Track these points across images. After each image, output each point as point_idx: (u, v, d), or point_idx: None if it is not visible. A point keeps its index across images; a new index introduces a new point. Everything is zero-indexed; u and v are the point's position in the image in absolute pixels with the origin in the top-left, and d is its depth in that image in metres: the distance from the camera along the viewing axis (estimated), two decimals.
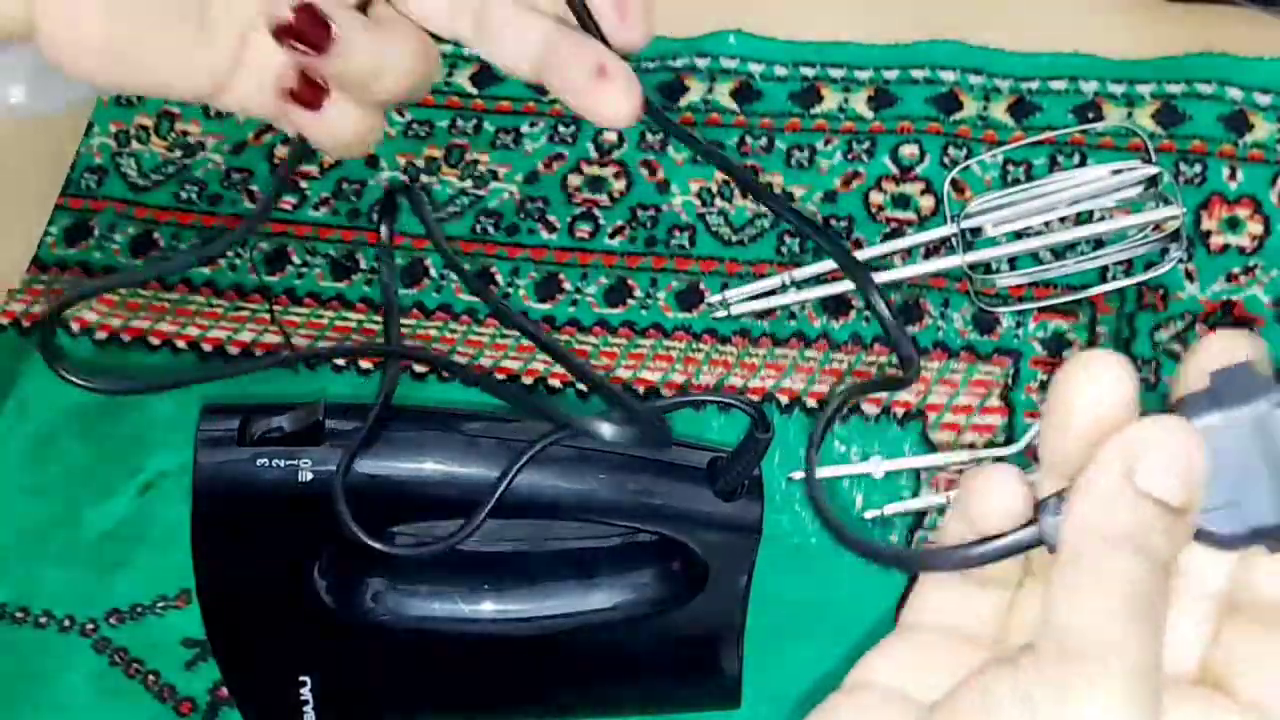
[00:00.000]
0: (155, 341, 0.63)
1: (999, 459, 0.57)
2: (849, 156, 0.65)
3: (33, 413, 0.61)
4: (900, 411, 0.58)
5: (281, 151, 0.67)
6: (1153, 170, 0.58)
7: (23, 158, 0.68)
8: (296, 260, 0.64)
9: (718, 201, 0.64)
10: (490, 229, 0.64)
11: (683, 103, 0.67)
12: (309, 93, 0.36)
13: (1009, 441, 0.57)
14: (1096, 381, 0.28)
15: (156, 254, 0.65)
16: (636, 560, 0.50)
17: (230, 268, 0.65)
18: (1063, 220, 0.60)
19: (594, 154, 0.66)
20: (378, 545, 0.45)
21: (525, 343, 0.61)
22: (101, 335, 0.63)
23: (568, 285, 0.63)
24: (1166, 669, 0.27)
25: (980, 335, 0.60)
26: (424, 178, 0.66)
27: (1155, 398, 0.57)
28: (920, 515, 0.56)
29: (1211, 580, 0.29)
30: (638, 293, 0.62)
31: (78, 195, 0.67)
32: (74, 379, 0.37)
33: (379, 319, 0.62)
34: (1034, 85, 0.65)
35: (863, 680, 0.30)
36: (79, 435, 0.61)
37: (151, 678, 0.56)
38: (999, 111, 0.65)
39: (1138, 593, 0.26)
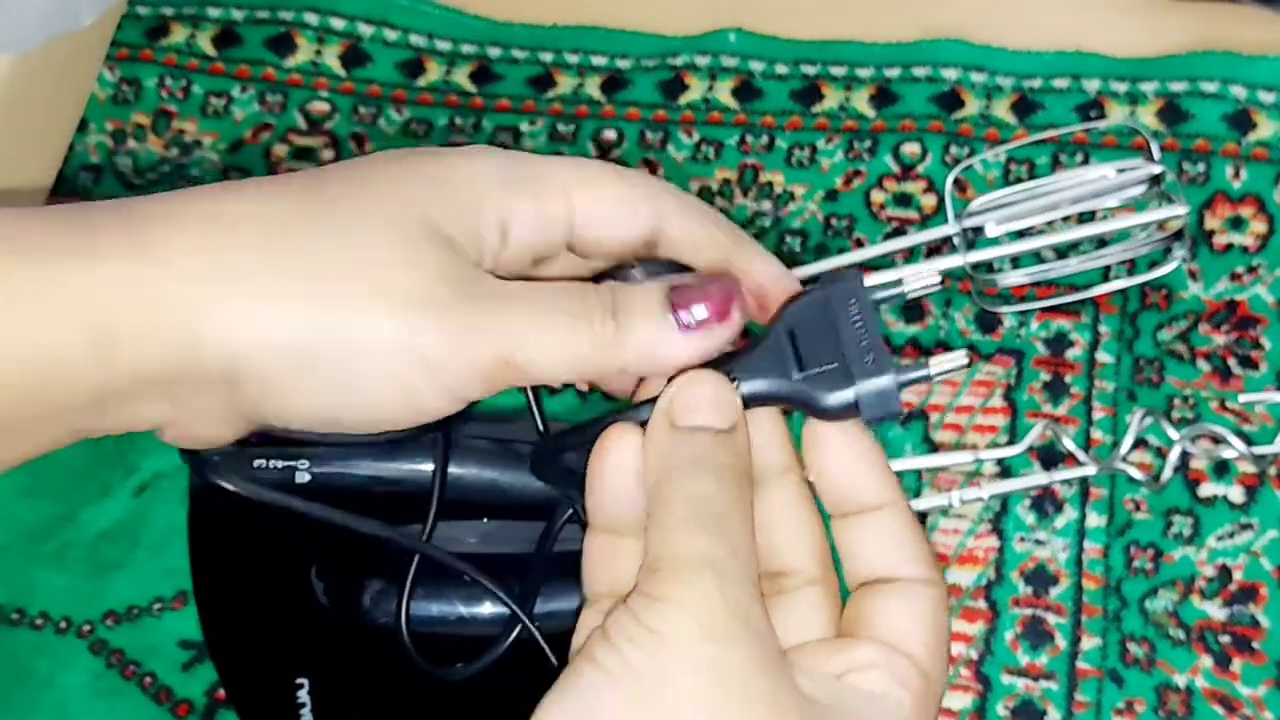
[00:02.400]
0: None
1: (1002, 460, 0.56)
2: (850, 155, 0.64)
3: None
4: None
5: (280, 150, 0.67)
6: (1156, 169, 0.58)
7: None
8: None
9: (718, 200, 0.64)
10: None
11: (683, 101, 0.67)
12: None
13: (1011, 442, 0.57)
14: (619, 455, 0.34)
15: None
16: None
17: None
18: (1065, 219, 0.60)
19: (594, 152, 0.66)
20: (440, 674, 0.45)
21: None
22: None
23: None
24: (779, 565, 0.34)
25: (983, 335, 0.59)
26: None
27: (1158, 396, 0.57)
28: (922, 516, 0.56)
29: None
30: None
31: (73, 193, 0.67)
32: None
33: None
34: (1036, 83, 0.65)
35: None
36: None
37: (148, 679, 0.56)
38: (1001, 110, 0.65)
39: (708, 507, 0.32)
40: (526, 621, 0.45)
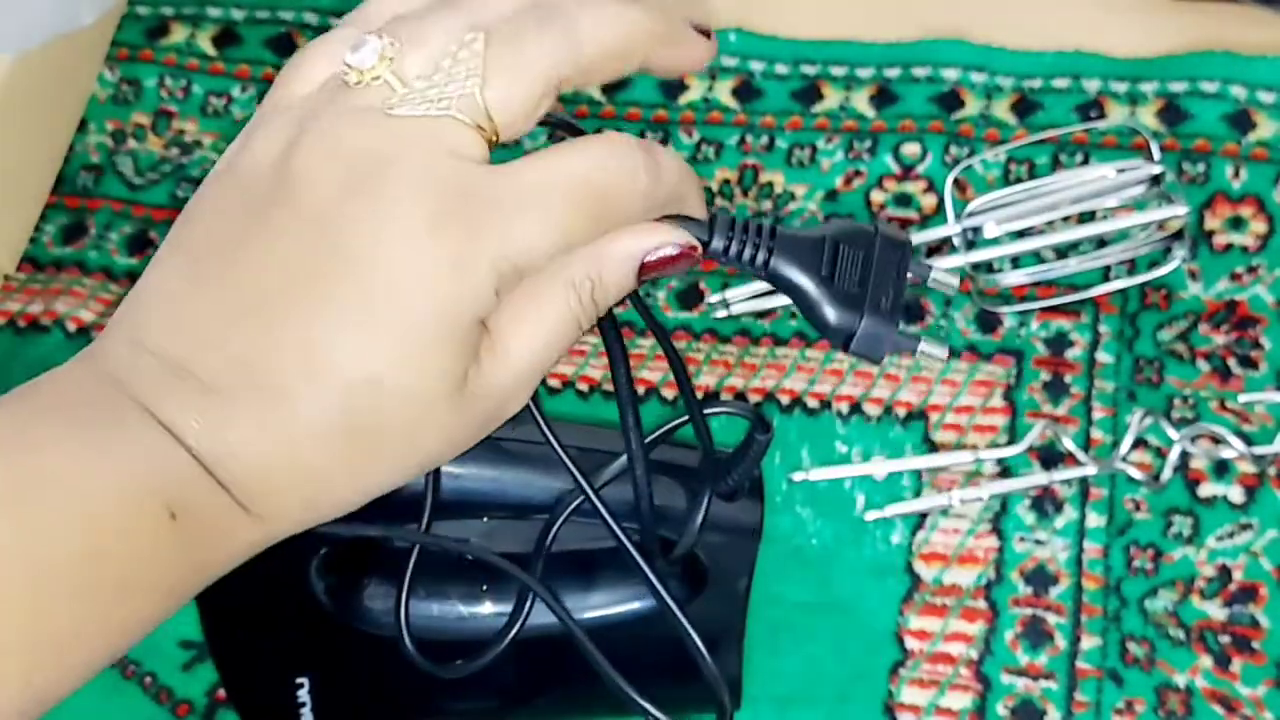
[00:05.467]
0: None
1: (1002, 460, 0.56)
2: (850, 155, 0.64)
3: None
4: (902, 412, 0.58)
5: None
6: (1156, 169, 0.58)
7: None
8: None
9: (718, 200, 0.64)
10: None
11: (682, 101, 0.67)
12: None
13: (1011, 442, 0.57)
14: None
15: None
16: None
17: None
18: (1065, 219, 0.60)
19: None
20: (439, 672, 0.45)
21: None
22: (98, 335, 0.63)
23: None
24: None
25: (983, 335, 0.59)
26: None
27: (1158, 396, 0.57)
28: (922, 516, 0.56)
29: None
30: (638, 291, 0.62)
31: (74, 194, 0.67)
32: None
33: None
34: (1036, 83, 0.65)
35: None
36: None
37: (149, 679, 0.56)
38: (1001, 110, 0.65)
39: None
40: (536, 587, 0.45)
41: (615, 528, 0.44)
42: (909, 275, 0.38)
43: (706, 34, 0.36)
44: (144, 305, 0.34)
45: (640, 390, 0.59)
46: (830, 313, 0.37)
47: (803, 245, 0.37)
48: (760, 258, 0.36)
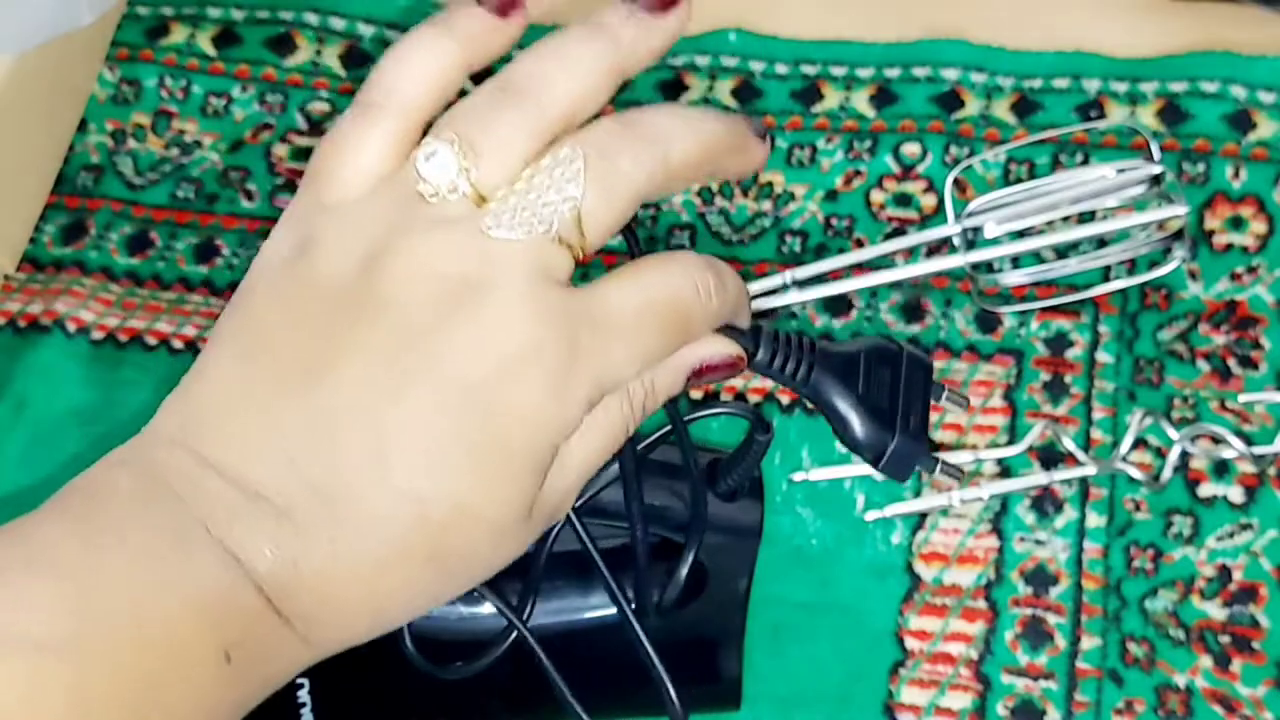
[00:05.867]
0: (152, 341, 0.62)
1: (1002, 460, 0.56)
2: (850, 155, 0.64)
3: (29, 414, 0.61)
4: None
5: (279, 150, 0.67)
6: (1156, 169, 0.58)
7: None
8: None
9: (718, 200, 0.64)
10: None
11: (683, 101, 0.67)
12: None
13: (1011, 442, 0.57)
14: None
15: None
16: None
17: (228, 266, 0.64)
18: (1065, 219, 0.59)
19: None
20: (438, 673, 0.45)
21: None
22: (98, 335, 0.63)
23: None
24: None
25: (982, 335, 0.59)
26: None
27: (1158, 396, 0.57)
28: (922, 516, 0.56)
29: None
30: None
31: (74, 194, 0.67)
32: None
33: None
34: (1037, 83, 0.65)
35: None
36: (76, 436, 0.60)
37: None
38: (1001, 110, 0.65)
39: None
40: (522, 628, 0.45)
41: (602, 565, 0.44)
42: (935, 396, 0.40)
43: (763, 137, 0.36)
44: (207, 413, 0.32)
45: None
46: (863, 431, 0.38)
47: (840, 362, 0.38)
48: (801, 372, 0.37)
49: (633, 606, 0.44)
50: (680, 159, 0.34)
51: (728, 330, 0.36)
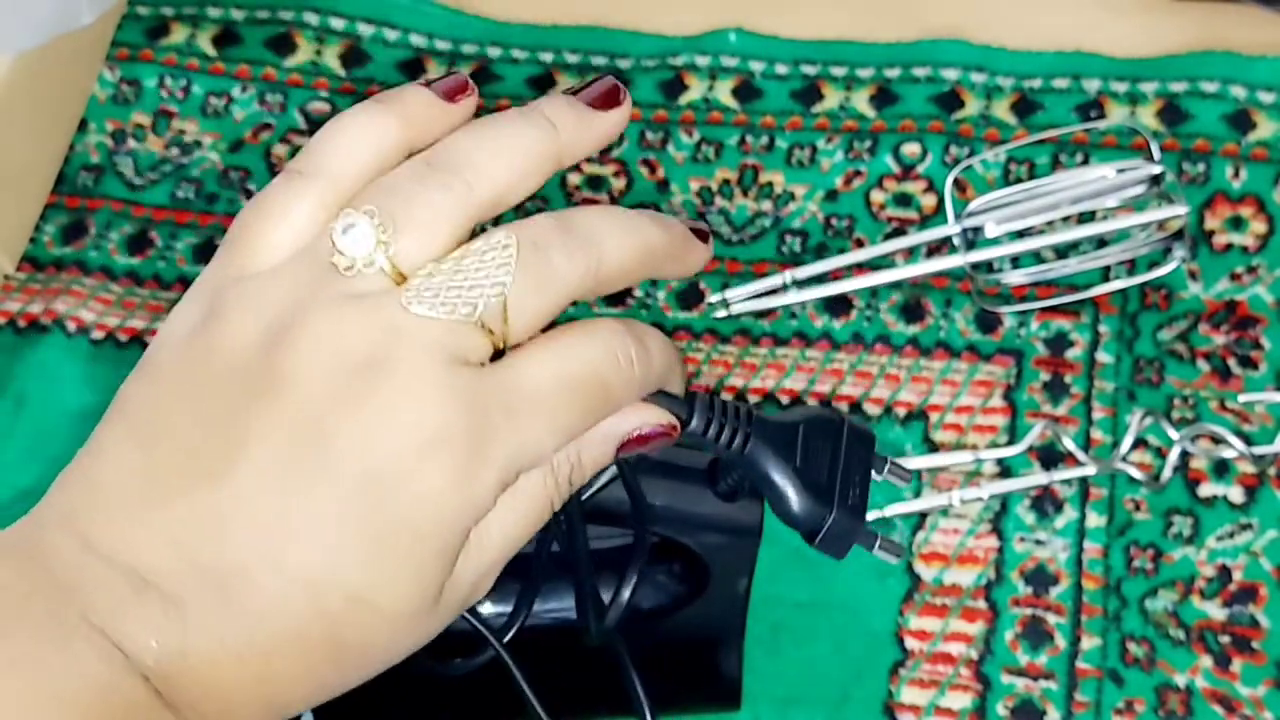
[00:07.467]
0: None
1: (1002, 460, 0.56)
2: (850, 155, 0.64)
3: (29, 414, 0.61)
4: (902, 412, 0.58)
5: (279, 150, 0.67)
6: (1156, 169, 0.58)
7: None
8: None
9: (718, 200, 0.64)
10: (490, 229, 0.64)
11: (683, 101, 0.67)
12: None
13: (1011, 442, 0.57)
14: None
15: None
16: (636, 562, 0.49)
17: None
18: (1065, 219, 0.60)
19: (595, 153, 0.66)
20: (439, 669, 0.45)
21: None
22: (98, 335, 0.63)
23: None
24: None
25: (982, 335, 0.59)
26: None
27: (1158, 396, 0.57)
28: (922, 516, 0.56)
29: None
30: (637, 292, 0.62)
31: (74, 194, 0.67)
32: None
33: None
34: (1036, 83, 0.65)
35: None
36: (77, 437, 0.60)
37: None
38: (1001, 110, 0.65)
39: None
40: (499, 649, 0.44)
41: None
42: (875, 471, 0.38)
43: (704, 237, 0.36)
44: (98, 496, 0.31)
45: None
46: (799, 505, 0.36)
47: (778, 432, 0.36)
48: (737, 442, 0.36)
49: (618, 615, 0.44)
50: (616, 263, 0.33)
51: (660, 397, 0.35)
